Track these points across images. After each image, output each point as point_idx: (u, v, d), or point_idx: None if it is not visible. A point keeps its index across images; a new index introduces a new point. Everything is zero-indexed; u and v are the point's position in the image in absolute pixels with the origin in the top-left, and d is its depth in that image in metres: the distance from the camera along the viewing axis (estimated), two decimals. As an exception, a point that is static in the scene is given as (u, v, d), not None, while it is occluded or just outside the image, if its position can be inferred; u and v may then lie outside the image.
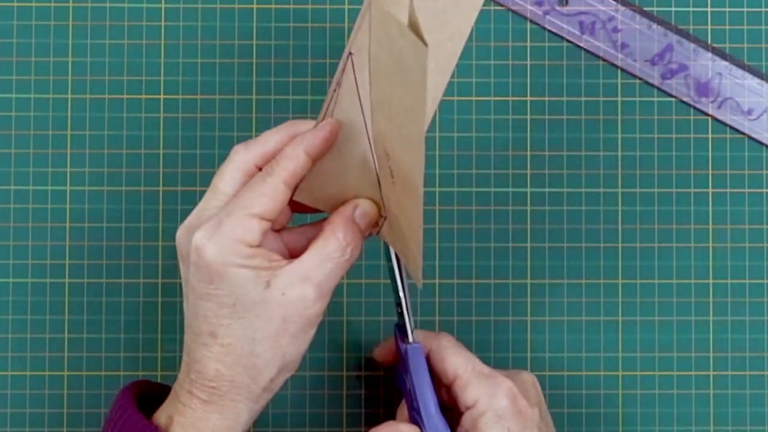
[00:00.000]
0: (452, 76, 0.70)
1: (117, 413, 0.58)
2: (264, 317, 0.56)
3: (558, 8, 0.71)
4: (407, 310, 0.62)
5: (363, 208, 0.59)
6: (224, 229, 0.55)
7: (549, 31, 0.71)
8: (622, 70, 0.71)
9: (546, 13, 0.71)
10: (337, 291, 0.68)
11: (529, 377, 0.63)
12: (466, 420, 0.60)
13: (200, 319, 0.56)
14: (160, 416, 0.58)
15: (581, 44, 0.71)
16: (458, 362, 0.61)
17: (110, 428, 0.58)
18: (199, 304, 0.56)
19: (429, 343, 0.63)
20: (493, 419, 0.60)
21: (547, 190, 0.71)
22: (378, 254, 0.70)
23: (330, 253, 0.57)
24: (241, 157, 0.58)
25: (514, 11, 0.71)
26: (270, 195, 0.56)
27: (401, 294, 0.62)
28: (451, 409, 0.62)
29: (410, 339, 0.62)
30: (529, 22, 0.72)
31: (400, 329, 0.62)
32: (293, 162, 0.57)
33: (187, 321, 0.58)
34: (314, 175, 0.58)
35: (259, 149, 0.58)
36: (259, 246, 0.56)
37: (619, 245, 0.71)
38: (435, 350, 0.62)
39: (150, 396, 0.61)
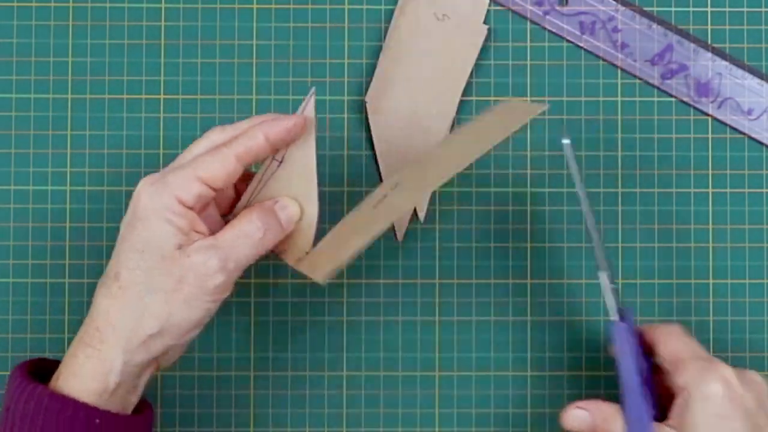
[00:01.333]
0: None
1: (11, 388, 0.59)
2: (164, 272, 0.58)
3: (558, 8, 0.71)
4: (611, 290, 0.62)
5: (283, 201, 0.62)
6: (166, 180, 0.59)
7: (549, 31, 0.71)
8: (622, 70, 0.71)
9: (546, 13, 0.71)
10: (338, 291, 0.68)
11: (757, 376, 0.62)
12: (676, 403, 0.60)
13: (112, 261, 0.59)
14: (54, 378, 0.59)
15: (581, 44, 0.71)
16: (679, 346, 0.62)
17: (4, 404, 0.59)
18: (117, 247, 0.59)
19: (655, 332, 0.63)
20: (701, 402, 0.59)
21: (547, 190, 0.71)
22: (378, 254, 0.70)
23: (243, 230, 0.60)
24: (216, 136, 0.61)
25: (514, 11, 0.71)
26: (219, 163, 0.59)
27: (605, 274, 0.62)
28: (668, 397, 0.62)
29: (613, 316, 0.62)
30: (529, 22, 0.72)
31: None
32: (250, 141, 0.59)
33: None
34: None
35: (232, 132, 0.61)
36: (191, 209, 0.59)
37: (620, 245, 0.71)
38: (659, 336, 0.62)
39: (49, 372, 0.61)
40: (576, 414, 0.62)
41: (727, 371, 0.60)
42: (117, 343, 0.58)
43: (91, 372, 0.58)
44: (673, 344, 0.62)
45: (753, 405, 0.60)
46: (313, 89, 0.61)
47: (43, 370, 0.61)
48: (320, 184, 0.62)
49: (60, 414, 0.57)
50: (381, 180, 0.70)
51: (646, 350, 0.63)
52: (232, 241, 0.59)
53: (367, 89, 0.71)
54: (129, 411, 0.60)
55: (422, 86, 0.69)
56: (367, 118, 0.70)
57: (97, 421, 0.57)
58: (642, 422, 0.60)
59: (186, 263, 0.58)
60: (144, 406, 0.61)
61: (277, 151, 0.61)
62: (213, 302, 0.59)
